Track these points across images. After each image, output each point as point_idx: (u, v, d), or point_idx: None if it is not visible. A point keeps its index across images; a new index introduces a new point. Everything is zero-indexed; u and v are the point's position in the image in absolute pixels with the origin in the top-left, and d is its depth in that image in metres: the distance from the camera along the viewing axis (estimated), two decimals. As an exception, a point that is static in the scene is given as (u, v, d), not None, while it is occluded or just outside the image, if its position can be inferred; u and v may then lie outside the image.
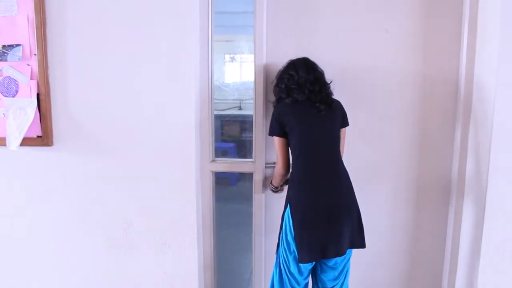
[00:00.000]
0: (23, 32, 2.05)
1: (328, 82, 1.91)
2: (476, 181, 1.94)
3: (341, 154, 1.91)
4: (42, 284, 2.30)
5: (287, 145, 1.88)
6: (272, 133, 1.89)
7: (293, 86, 1.85)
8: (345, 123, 1.93)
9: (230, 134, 4.96)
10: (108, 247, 2.20)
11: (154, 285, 2.21)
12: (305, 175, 1.82)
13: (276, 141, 1.88)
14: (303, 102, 1.84)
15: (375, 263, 2.23)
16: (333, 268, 1.86)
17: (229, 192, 4.27)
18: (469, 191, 2.01)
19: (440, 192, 2.14)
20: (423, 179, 2.14)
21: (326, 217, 1.76)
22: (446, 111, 2.07)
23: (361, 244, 1.85)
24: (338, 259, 1.82)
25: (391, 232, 2.20)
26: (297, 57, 1.94)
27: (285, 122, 1.84)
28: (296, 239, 1.78)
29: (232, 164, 2.33)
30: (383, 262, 2.22)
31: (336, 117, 1.87)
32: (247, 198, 2.24)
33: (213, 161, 2.21)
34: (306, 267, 1.84)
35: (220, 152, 4.33)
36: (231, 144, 4.73)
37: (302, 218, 1.78)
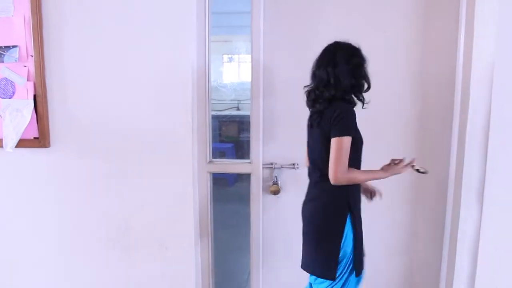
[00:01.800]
0: (19, 33, 2.05)
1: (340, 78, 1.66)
2: (473, 179, 1.94)
3: (332, 168, 1.59)
4: (40, 285, 2.29)
5: None
6: None
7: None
8: (332, 133, 1.59)
9: (227, 135, 4.95)
10: (105, 248, 2.20)
11: (151, 286, 2.20)
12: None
13: None
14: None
15: (371, 262, 2.22)
16: None
17: (227, 193, 4.26)
18: (467, 189, 2.01)
19: (437, 190, 2.14)
20: (420, 178, 2.13)
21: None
22: (444, 109, 2.07)
23: (310, 270, 1.78)
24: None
25: (387, 231, 2.19)
26: (295, 56, 1.93)
27: None
28: None
29: (229, 165, 2.32)
30: (380, 262, 2.22)
31: (322, 127, 1.64)
32: (245, 199, 2.24)
33: (210, 162, 2.20)
34: None
35: (217, 153, 4.32)
36: (229, 145, 4.72)
37: None
